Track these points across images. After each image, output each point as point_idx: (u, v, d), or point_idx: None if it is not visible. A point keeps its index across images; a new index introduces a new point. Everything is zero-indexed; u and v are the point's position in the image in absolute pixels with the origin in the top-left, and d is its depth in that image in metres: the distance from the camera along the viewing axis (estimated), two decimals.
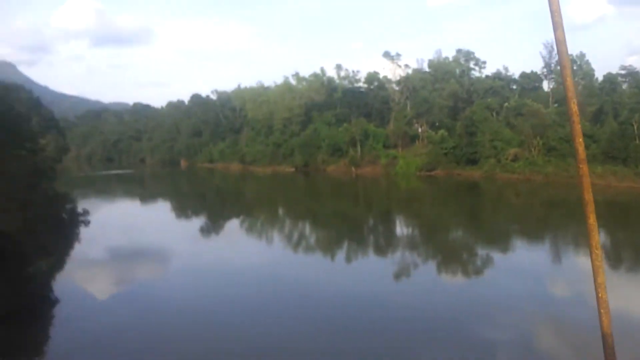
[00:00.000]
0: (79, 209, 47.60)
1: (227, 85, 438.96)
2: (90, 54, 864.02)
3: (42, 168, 38.96)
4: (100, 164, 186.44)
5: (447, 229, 51.81)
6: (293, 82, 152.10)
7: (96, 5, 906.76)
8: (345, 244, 44.79)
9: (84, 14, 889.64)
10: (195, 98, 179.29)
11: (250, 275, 32.66)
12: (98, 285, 32.32)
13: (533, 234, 45.32)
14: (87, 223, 45.65)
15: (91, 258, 38.84)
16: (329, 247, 43.47)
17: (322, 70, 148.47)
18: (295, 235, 50.23)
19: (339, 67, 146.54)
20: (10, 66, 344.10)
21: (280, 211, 70.54)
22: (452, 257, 38.56)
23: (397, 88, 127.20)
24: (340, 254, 40.42)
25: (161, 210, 73.68)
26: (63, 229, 40.99)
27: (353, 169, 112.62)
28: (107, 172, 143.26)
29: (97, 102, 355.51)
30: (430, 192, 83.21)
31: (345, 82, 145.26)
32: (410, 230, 52.63)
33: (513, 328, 22.71)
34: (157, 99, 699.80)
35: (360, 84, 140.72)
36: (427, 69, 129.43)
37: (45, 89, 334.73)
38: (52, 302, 26.37)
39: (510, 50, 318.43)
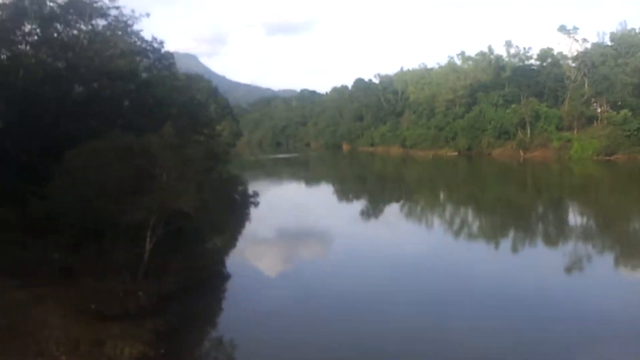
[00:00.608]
0: (250, 191, 50.56)
1: (390, 68, 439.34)
2: (262, 43, 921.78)
3: (217, 152, 41.94)
4: (269, 148, 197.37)
5: (629, 220, 46.65)
6: (458, 62, 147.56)
7: None
8: (511, 233, 42.31)
9: (258, 6, 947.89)
10: (358, 82, 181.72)
11: (411, 263, 32.12)
12: (266, 262, 34.19)
13: None
14: (256, 204, 48.38)
15: (260, 237, 41.22)
16: (493, 235, 41.46)
17: (490, 48, 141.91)
18: (457, 222, 48.65)
19: (508, 44, 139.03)
20: (192, 58, 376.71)
21: (442, 196, 68.92)
22: (634, 253, 34.65)
23: (573, 64, 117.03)
24: (505, 243, 38.23)
25: (324, 193, 75.97)
26: (235, 209, 43.83)
27: (521, 152, 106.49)
28: (275, 156, 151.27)
29: (268, 90, 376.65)
30: (610, 178, 75.73)
31: (515, 60, 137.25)
32: (585, 220, 48.22)
33: None
34: (323, 85, 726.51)
35: (532, 62, 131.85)
36: (608, 43, 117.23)
37: (223, 78, 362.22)
38: (225, 276, 28.34)
39: None
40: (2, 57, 31.69)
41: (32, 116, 29.56)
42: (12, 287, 18.78)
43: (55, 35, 33.36)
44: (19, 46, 32.03)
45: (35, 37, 32.35)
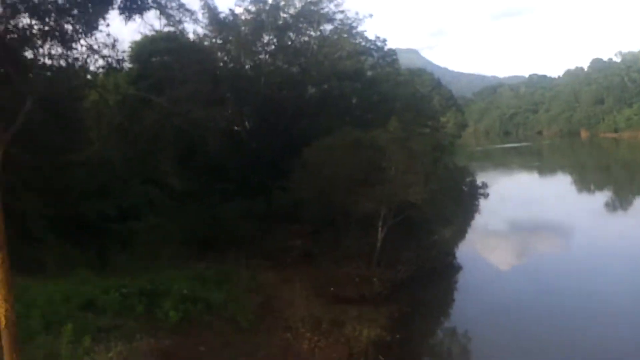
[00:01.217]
0: (478, 182, 49.09)
1: (633, 45, 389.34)
2: (484, 31, 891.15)
3: (443, 143, 41.56)
4: (497, 137, 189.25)
5: None
6: None
7: None
8: None
9: None
10: (596, 63, 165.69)
11: None
12: (497, 255, 32.86)
13: None
14: (486, 195, 46.63)
15: (490, 229, 39.72)
16: None
17: None
18: None
19: None
20: (414, 52, 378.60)
21: None
22: None
23: None
24: None
25: (560, 183, 70.25)
26: (462, 201, 42.92)
27: None
28: (503, 146, 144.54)
29: (493, 78, 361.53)
30: None
31: None
32: None
33: None
34: (553, 69, 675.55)
35: None
36: None
37: (445, 70, 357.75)
38: (455, 268, 27.98)
39: None
40: (247, 67, 35.67)
41: (273, 118, 32.71)
42: (264, 268, 21.17)
43: (289, 43, 36.46)
44: (260, 56, 35.77)
45: (272, 47, 35.76)
